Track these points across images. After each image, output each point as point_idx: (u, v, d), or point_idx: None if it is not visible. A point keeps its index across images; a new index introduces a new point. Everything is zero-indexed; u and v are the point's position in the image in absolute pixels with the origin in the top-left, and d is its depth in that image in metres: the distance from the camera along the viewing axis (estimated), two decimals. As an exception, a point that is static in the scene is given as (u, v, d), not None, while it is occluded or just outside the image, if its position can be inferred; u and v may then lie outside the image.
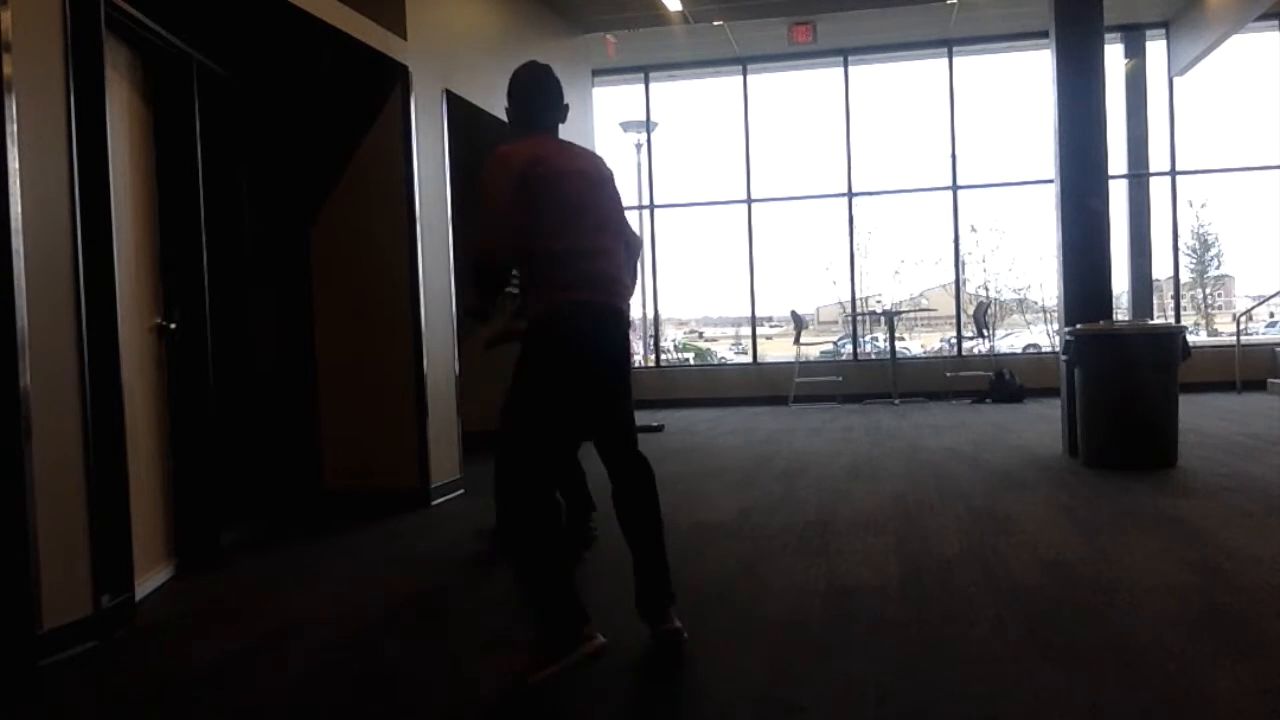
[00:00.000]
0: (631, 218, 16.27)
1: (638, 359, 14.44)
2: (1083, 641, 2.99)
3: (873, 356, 13.13)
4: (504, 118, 3.17)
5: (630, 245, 3.26)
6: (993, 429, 8.57)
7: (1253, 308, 13.27)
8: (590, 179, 3.08)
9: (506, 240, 2.90)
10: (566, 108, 3.19)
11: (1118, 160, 11.51)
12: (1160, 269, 12.63)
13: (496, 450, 2.91)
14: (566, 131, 3.25)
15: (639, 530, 3.12)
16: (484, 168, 2.94)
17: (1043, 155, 10.45)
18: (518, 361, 2.95)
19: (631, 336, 3.51)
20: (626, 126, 13.36)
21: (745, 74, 12.85)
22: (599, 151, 4.25)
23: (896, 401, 11.58)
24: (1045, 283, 12.92)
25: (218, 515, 4.61)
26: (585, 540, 4.39)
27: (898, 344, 12.45)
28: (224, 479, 4.72)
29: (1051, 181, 7.17)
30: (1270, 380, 10.98)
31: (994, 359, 12.02)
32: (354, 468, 5.85)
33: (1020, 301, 13.71)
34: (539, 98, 3.12)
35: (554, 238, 2.91)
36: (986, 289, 13.27)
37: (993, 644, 2.99)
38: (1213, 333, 14.58)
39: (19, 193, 3.10)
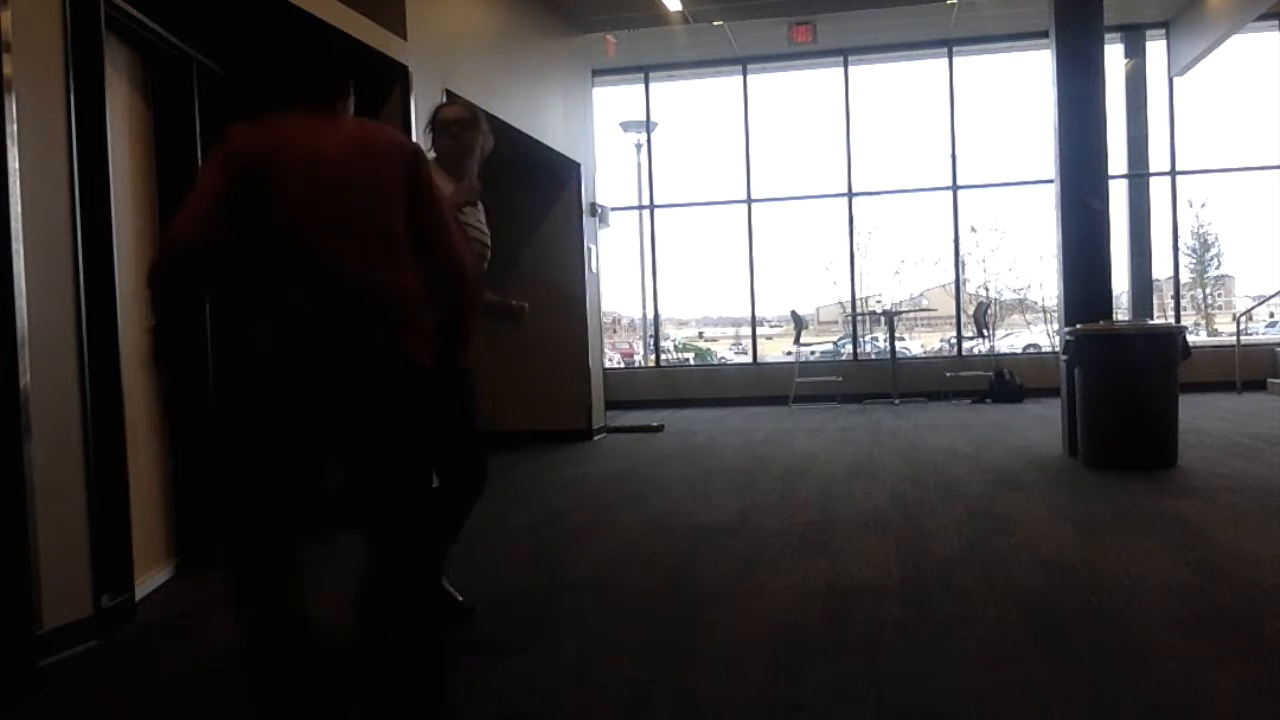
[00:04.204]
0: (631, 217, 15.87)
1: (638, 360, 14.43)
2: (1083, 641, 2.99)
3: (873, 356, 13.12)
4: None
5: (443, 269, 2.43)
6: (993, 429, 8.57)
7: (1253, 308, 13.25)
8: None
9: None
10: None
11: (1118, 160, 11.49)
12: (1160, 269, 12.63)
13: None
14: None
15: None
16: None
17: (1043, 155, 10.43)
18: None
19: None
20: (626, 126, 13.35)
21: (745, 74, 12.83)
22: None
23: (896, 401, 11.57)
24: (1045, 283, 12.91)
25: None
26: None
27: (898, 344, 12.44)
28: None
29: (1051, 181, 7.17)
30: (1270, 380, 10.97)
31: (994, 359, 12.01)
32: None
33: (1020, 301, 13.70)
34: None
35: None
36: (986, 289, 13.27)
37: (993, 644, 2.99)
38: (1213, 333, 14.54)
39: (19, 193, 3.10)
